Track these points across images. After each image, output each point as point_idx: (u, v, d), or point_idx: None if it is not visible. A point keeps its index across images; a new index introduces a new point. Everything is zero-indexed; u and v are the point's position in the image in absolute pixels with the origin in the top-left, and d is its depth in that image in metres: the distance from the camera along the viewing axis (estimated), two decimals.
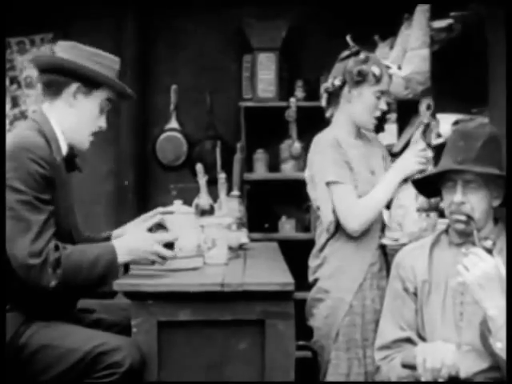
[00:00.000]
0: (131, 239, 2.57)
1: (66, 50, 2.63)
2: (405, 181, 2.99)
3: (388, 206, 3.07)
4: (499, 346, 2.19)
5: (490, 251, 2.27)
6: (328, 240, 3.06)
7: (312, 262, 3.12)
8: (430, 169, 2.91)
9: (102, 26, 5.01)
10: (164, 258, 2.55)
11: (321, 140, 3.08)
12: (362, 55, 3.07)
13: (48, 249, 2.37)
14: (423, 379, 2.25)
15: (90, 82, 2.60)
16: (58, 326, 2.43)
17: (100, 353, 2.32)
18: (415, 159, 2.99)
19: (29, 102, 5.16)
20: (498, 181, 2.43)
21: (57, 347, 2.36)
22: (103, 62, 2.64)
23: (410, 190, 2.92)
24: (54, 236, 2.42)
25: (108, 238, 2.81)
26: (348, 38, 3.17)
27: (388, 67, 3.17)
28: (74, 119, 2.61)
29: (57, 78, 2.60)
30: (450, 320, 2.42)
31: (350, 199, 2.97)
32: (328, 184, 2.99)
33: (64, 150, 2.60)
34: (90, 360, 2.31)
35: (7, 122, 5.07)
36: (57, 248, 2.39)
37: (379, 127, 3.43)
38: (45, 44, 5.13)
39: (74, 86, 2.59)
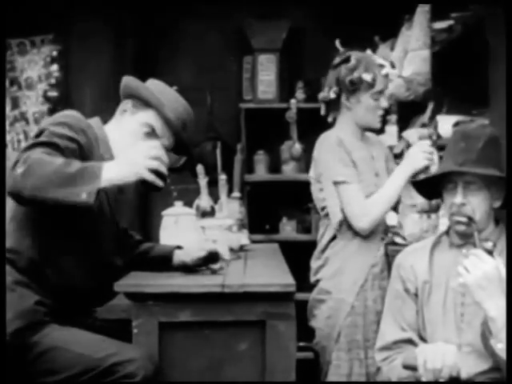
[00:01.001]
0: (130, 156, 2.40)
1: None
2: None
3: (395, 208, 3.07)
4: (500, 346, 2.19)
5: (490, 252, 2.27)
6: (330, 241, 3.06)
7: (314, 263, 3.12)
8: (435, 168, 2.91)
9: (102, 27, 5.00)
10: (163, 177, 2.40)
11: (326, 139, 3.07)
12: (353, 61, 3.05)
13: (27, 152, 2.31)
14: (424, 380, 2.25)
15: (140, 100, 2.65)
16: (73, 330, 2.43)
17: (114, 364, 2.31)
18: (423, 154, 2.96)
19: (29, 103, 5.16)
20: (499, 182, 2.43)
21: (68, 350, 2.35)
22: (173, 105, 2.71)
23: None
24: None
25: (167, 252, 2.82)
26: (337, 43, 3.17)
27: (381, 66, 3.15)
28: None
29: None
30: (451, 321, 2.42)
31: (358, 198, 2.97)
32: (336, 184, 2.99)
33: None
34: (103, 370, 2.31)
35: (7, 123, 5.07)
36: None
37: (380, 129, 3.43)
38: (45, 45, 5.13)
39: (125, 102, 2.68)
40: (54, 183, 2.23)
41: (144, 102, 2.65)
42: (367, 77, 3.03)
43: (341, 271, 3.02)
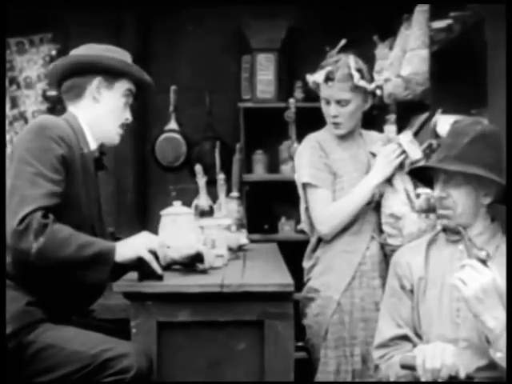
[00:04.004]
0: (133, 238, 2.54)
1: (80, 50, 2.72)
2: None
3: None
4: (499, 355, 2.19)
5: (484, 262, 2.25)
6: (320, 240, 3.08)
7: (306, 263, 3.16)
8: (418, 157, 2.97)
9: (100, 26, 5.00)
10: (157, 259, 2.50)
11: (304, 142, 3.15)
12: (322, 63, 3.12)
13: (33, 215, 2.32)
14: (423, 380, 2.25)
15: (110, 73, 2.65)
16: (67, 329, 2.43)
17: (108, 359, 2.31)
18: (387, 161, 3.01)
19: (28, 102, 5.16)
20: (484, 178, 2.42)
21: (63, 348, 2.35)
22: (116, 55, 2.70)
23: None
24: (53, 213, 2.38)
25: None
26: (341, 43, 3.18)
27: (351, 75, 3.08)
28: (100, 113, 2.66)
29: (77, 79, 2.65)
30: (447, 316, 2.42)
31: (322, 203, 3.02)
32: (303, 185, 3.05)
33: (92, 145, 2.65)
34: (97, 365, 2.31)
35: (6, 122, 5.07)
36: (46, 217, 2.35)
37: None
38: (44, 44, 5.13)
39: (97, 80, 2.64)
40: (69, 266, 2.37)
41: (116, 73, 2.66)
42: (309, 78, 3.12)
43: (329, 269, 3.05)
